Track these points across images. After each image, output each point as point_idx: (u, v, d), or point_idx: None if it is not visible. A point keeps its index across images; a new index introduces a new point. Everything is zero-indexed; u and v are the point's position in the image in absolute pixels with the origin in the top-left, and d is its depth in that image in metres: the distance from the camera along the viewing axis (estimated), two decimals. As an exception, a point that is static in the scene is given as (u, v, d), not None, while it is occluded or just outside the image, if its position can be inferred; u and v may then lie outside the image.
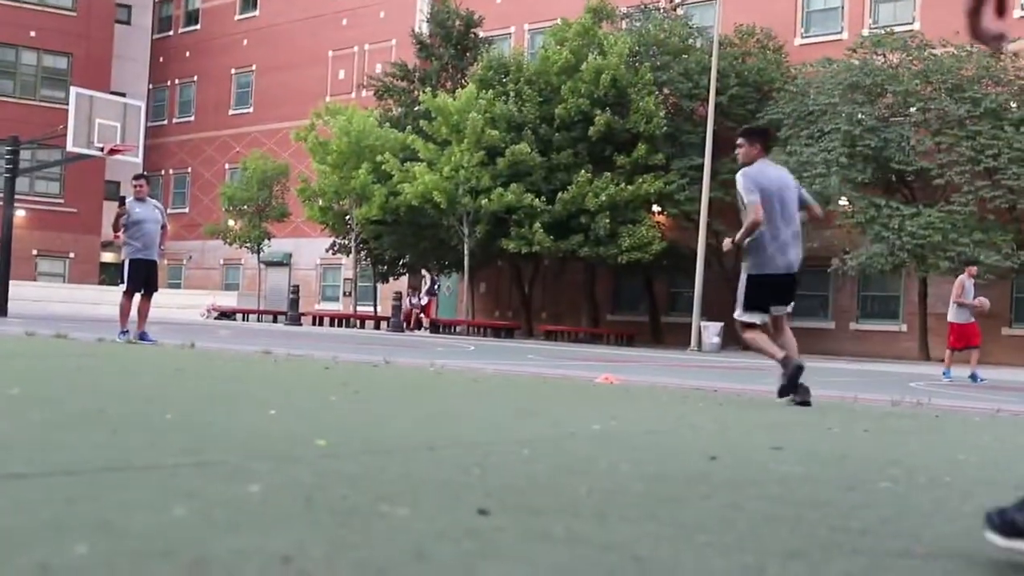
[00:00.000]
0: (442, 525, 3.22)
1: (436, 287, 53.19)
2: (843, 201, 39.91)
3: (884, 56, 41.20)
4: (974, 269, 24.16)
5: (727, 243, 10.95)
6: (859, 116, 40.07)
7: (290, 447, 4.96)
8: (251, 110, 68.55)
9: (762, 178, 10.59)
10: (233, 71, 69.97)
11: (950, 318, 23.24)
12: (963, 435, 8.30)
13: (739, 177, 10.61)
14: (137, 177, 19.62)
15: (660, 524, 3.51)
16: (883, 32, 42.38)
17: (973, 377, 21.90)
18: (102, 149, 34.12)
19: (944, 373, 22.73)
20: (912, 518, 4.01)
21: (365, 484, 3.93)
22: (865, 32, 43.84)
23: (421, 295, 52.44)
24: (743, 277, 10.81)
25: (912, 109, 40.32)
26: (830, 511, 4.01)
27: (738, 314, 10.79)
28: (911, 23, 43.71)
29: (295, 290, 52.73)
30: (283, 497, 3.54)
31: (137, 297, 18.85)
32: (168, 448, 4.62)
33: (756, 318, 10.71)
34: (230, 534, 2.92)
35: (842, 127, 39.70)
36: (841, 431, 7.82)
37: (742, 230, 10.52)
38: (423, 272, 51.14)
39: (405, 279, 55.41)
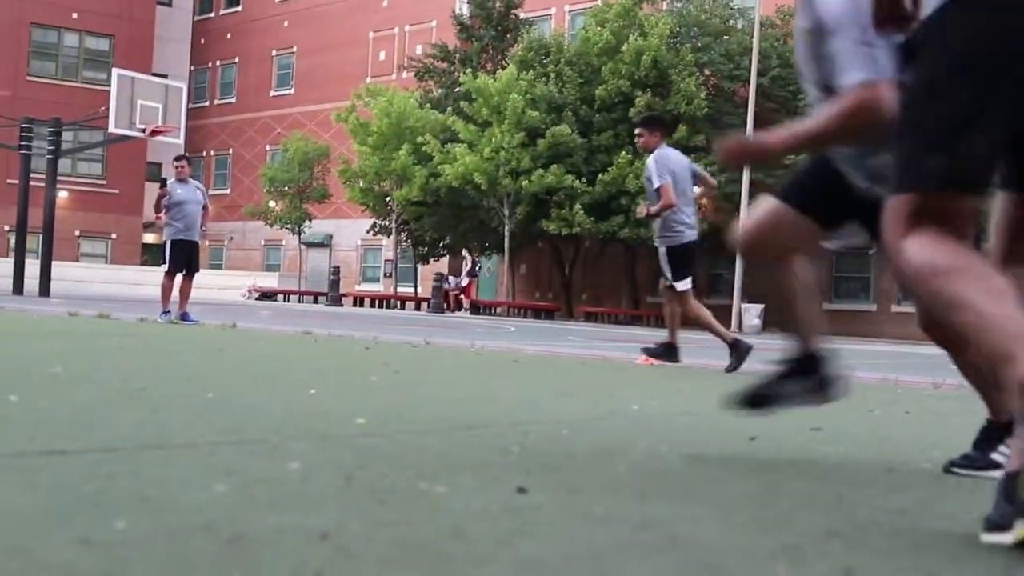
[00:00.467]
0: (481, 503, 3.23)
1: (476, 268, 53.13)
2: (885, 183, 39.71)
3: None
4: None
5: (640, 210, 12.86)
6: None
7: (330, 426, 4.98)
8: (292, 91, 68.70)
9: (670, 163, 12.39)
10: (274, 52, 70.14)
11: None
12: (1005, 417, 8.26)
13: (650, 162, 12.37)
14: (178, 158, 19.72)
15: (699, 503, 3.51)
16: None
17: None
18: (144, 130, 34.29)
19: None
20: (952, 499, 4.00)
21: (404, 463, 3.94)
22: (910, 10, 43.54)
23: (461, 277, 52.31)
24: (663, 251, 12.63)
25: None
26: (869, 492, 4.00)
27: (680, 286, 12.55)
28: None
29: (336, 271, 52.84)
30: (322, 475, 3.56)
31: (179, 277, 18.97)
32: (208, 427, 4.64)
33: (689, 284, 12.54)
34: (269, 511, 2.93)
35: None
36: (882, 413, 7.79)
37: (656, 206, 12.32)
38: (463, 253, 51.12)
39: (446, 260, 55.47)
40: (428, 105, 50.57)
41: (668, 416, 6.73)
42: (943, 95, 3.14)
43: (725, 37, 45.54)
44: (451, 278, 50.92)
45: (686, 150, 43.59)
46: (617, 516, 3.17)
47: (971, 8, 3.11)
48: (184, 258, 18.92)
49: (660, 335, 13.86)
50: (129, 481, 3.23)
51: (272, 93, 69.81)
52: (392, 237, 53.54)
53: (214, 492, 3.14)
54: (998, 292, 3.00)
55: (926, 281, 3.13)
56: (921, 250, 3.13)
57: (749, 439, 5.31)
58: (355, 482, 3.45)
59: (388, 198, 51.32)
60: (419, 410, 6.04)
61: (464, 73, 47.58)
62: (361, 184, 51.73)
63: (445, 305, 48.27)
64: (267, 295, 55.84)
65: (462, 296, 51.02)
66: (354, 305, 53.42)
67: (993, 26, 3.09)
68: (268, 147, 68.66)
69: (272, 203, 59.79)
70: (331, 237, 64.78)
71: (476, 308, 48.94)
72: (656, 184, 12.25)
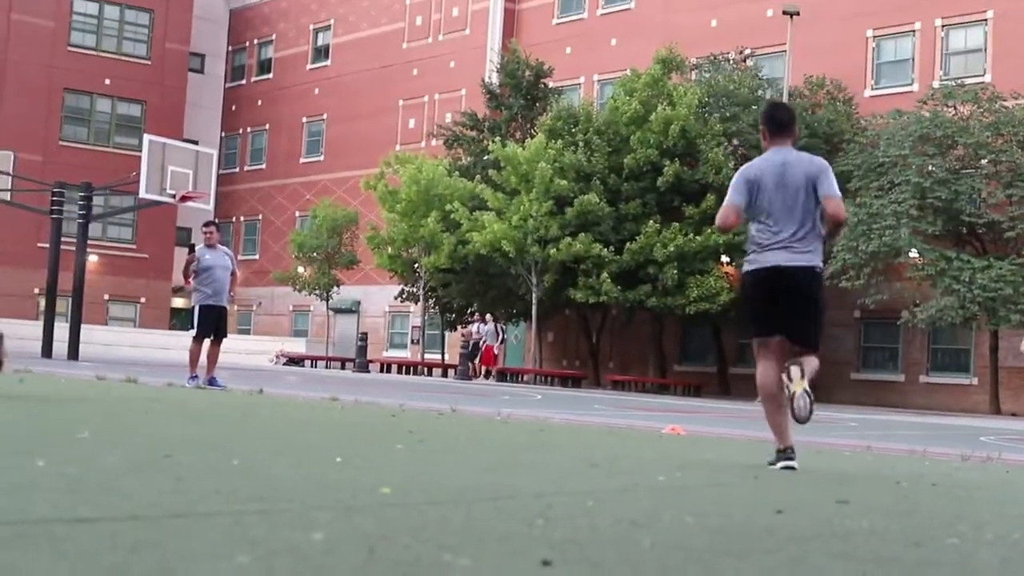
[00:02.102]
0: (504, 576, 3.22)
1: (500, 332, 51.88)
2: (913, 253, 39.62)
3: (955, 108, 40.96)
4: None
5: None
6: (929, 168, 39.82)
7: (354, 495, 4.97)
8: (322, 158, 69.03)
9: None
10: (304, 120, 70.54)
11: None
12: (1033, 492, 8.21)
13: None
14: (207, 224, 19.80)
15: (723, 579, 3.49)
16: (954, 84, 42.16)
17: None
18: (174, 196, 34.45)
19: None
20: (979, 576, 3.97)
21: (428, 534, 3.93)
22: (936, 84, 43.60)
23: (487, 328, 50.45)
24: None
25: (983, 161, 40.06)
26: (895, 568, 3.97)
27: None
28: (982, 75, 43.43)
29: (363, 337, 52.82)
30: (346, 546, 3.55)
31: (207, 343, 19.00)
32: (233, 495, 4.64)
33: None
34: (292, 583, 2.93)
35: (912, 179, 39.45)
36: (909, 485, 7.75)
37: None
38: (487, 317, 50.63)
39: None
40: (457, 173, 50.71)
41: (694, 487, 6.70)
42: None
43: (753, 107, 45.59)
44: (480, 326, 50.02)
45: (714, 219, 43.76)
46: (640, 591, 3.16)
47: None
48: (212, 324, 18.96)
49: (688, 403, 13.81)
50: (152, 552, 3.24)
51: (302, 160, 70.13)
52: (420, 304, 53.59)
53: (237, 563, 3.14)
54: None
55: None
56: None
57: (775, 512, 5.28)
58: (378, 554, 3.44)
59: (416, 265, 51.40)
60: (444, 480, 6.03)
61: (493, 141, 47.73)
62: (389, 251, 51.83)
63: (472, 369, 47.91)
64: (295, 361, 55.89)
65: (480, 358, 49.43)
66: (381, 371, 53.40)
67: None
68: (297, 213, 68.91)
69: (301, 269, 59.96)
70: (359, 303, 64.88)
71: (503, 375, 48.79)
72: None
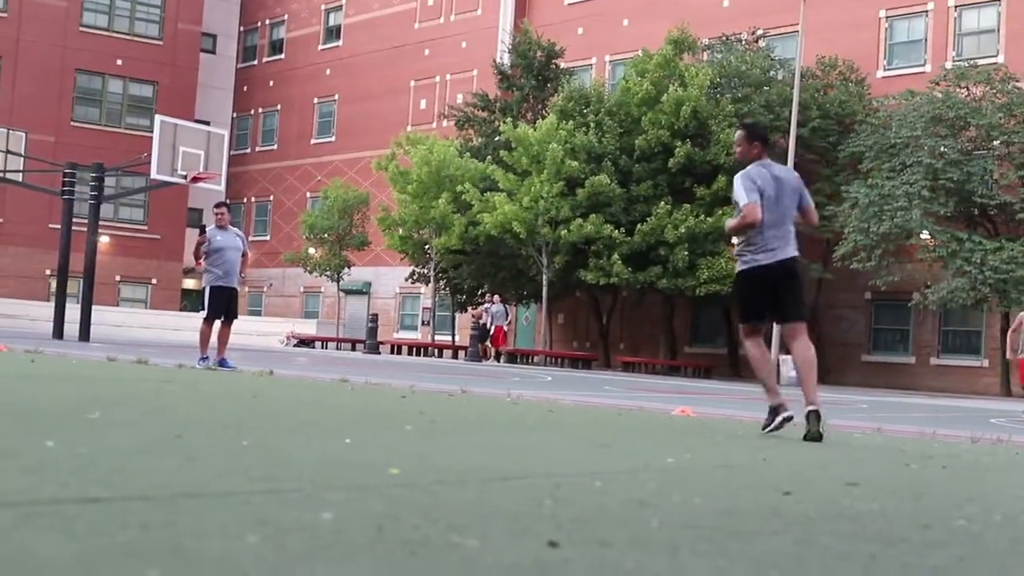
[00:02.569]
0: (512, 557, 3.23)
1: (508, 312, 51.52)
2: (925, 235, 39.59)
3: (967, 89, 40.89)
4: None
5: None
6: (941, 149, 39.76)
7: (364, 475, 4.99)
8: (333, 139, 69.02)
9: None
10: (316, 100, 70.51)
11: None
12: (1043, 473, 8.21)
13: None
14: (219, 205, 19.79)
15: (731, 559, 3.50)
16: (966, 65, 42.08)
17: None
18: (185, 177, 34.45)
19: None
20: (987, 557, 3.97)
21: (437, 514, 3.94)
22: (948, 65, 43.50)
23: (495, 307, 50.23)
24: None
25: (995, 143, 40.00)
26: (904, 548, 3.98)
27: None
28: (995, 56, 43.33)
29: (374, 319, 52.85)
30: (355, 526, 3.56)
31: (217, 324, 19.01)
32: (243, 475, 4.66)
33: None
34: (302, 562, 2.94)
35: (924, 160, 39.40)
36: (918, 467, 7.75)
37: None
38: (495, 298, 50.38)
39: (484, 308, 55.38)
40: (468, 154, 50.71)
41: (703, 469, 6.71)
42: None
43: (765, 88, 45.53)
44: (489, 307, 49.85)
45: (725, 200, 43.76)
46: (648, 571, 3.17)
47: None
48: (223, 305, 18.96)
49: (698, 385, 13.81)
50: (163, 530, 3.25)
51: (313, 140, 70.10)
52: (430, 285, 53.60)
53: (247, 542, 3.15)
54: None
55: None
56: None
57: (784, 493, 5.29)
58: (387, 533, 3.45)
59: (427, 246, 51.42)
60: (453, 460, 6.05)
61: (504, 122, 47.68)
62: (400, 232, 51.85)
63: (483, 351, 47.77)
64: (305, 342, 55.91)
65: (491, 339, 49.31)
66: (392, 353, 53.45)
67: None
68: (308, 194, 68.90)
69: (311, 250, 59.97)
70: (370, 284, 64.89)
71: (513, 357, 48.75)
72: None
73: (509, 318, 50.35)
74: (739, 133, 10.45)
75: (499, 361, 47.23)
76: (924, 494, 5.95)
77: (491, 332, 48.41)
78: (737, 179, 10.09)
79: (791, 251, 10.04)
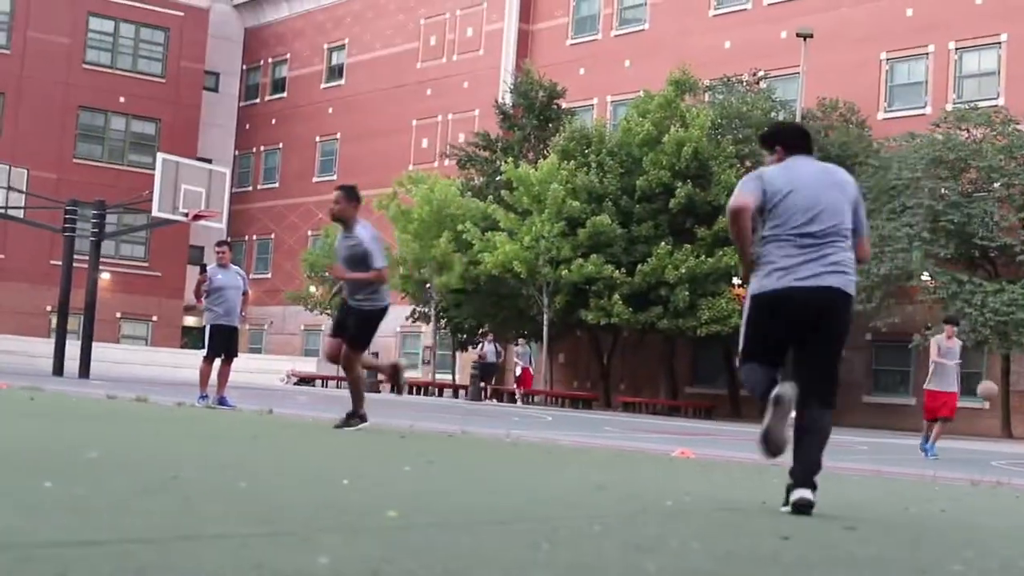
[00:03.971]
0: (508, 602, 3.23)
1: (499, 353, 51.23)
2: (925, 276, 39.59)
3: (968, 131, 40.94)
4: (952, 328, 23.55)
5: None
6: (942, 191, 39.78)
7: (361, 518, 4.98)
8: (335, 177, 68.95)
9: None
10: (318, 139, 70.65)
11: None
12: (1042, 518, 8.19)
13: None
14: (220, 243, 19.80)
15: (727, 606, 3.50)
16: (967, 107, 42.15)
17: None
18: (187, 214, 34.48)
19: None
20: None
21: (433, 558, 3.94)
22: (949, 107, 43.58)
23: (518, 353, 49.97)
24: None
25: (996, 184, 40.02)
26: (901, 595, 3.98)
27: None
28: (995, 98, 43.41)
29: (374, 357, 52.70)
30: (351, 570, 3.56)
31: (217, 362, 18.99)
32: (240, 518, 4.66)
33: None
34: (297, 607, 2.94)
35: (925, 202, 39.43)
36: (917, 511, 7.74)
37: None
38: (490, 338, 50.22)
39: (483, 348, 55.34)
40: (469, 193, 50.78)
41: (702, 512, 6.70)
42: None
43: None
44: (513, 348, 49.59)
45: (726, 241, 43.75)
46: (644, 618, 3.17)
47: None
48: (223, 343, 18.95)
49: (699, 426, 13.79)
50: (160, 574, 3.25)
51: (315, 179, 70.14)
52: (431, 324, 53.61)
53: (243, 587, 3.15)
54: None
55: None
56: None
57: (782, 538, 5.28)
58: (383, 578, 3.45)
59: (428, 285, 51.42)
60: (451, 503, 6.04)
61: (505, 162, 47.75)
62: (401, 271, 51.87)
63: (483, 390, 47.50)
64: (305, 380, 55.82)
65: (518, 382, 49.01)
66: (392, 391, 53.29)
67: None
68: (310, 232, 68.94)
69: (312, 288, 60.00)
70: (370, 323, 64.78)
71: (512, 397, 48.58)
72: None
73: (501, 358, 50.20)
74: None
75: (524, 403, 46.70)
76: (922, 538, 5.94)
77: (518, 375, 48.18)
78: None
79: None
